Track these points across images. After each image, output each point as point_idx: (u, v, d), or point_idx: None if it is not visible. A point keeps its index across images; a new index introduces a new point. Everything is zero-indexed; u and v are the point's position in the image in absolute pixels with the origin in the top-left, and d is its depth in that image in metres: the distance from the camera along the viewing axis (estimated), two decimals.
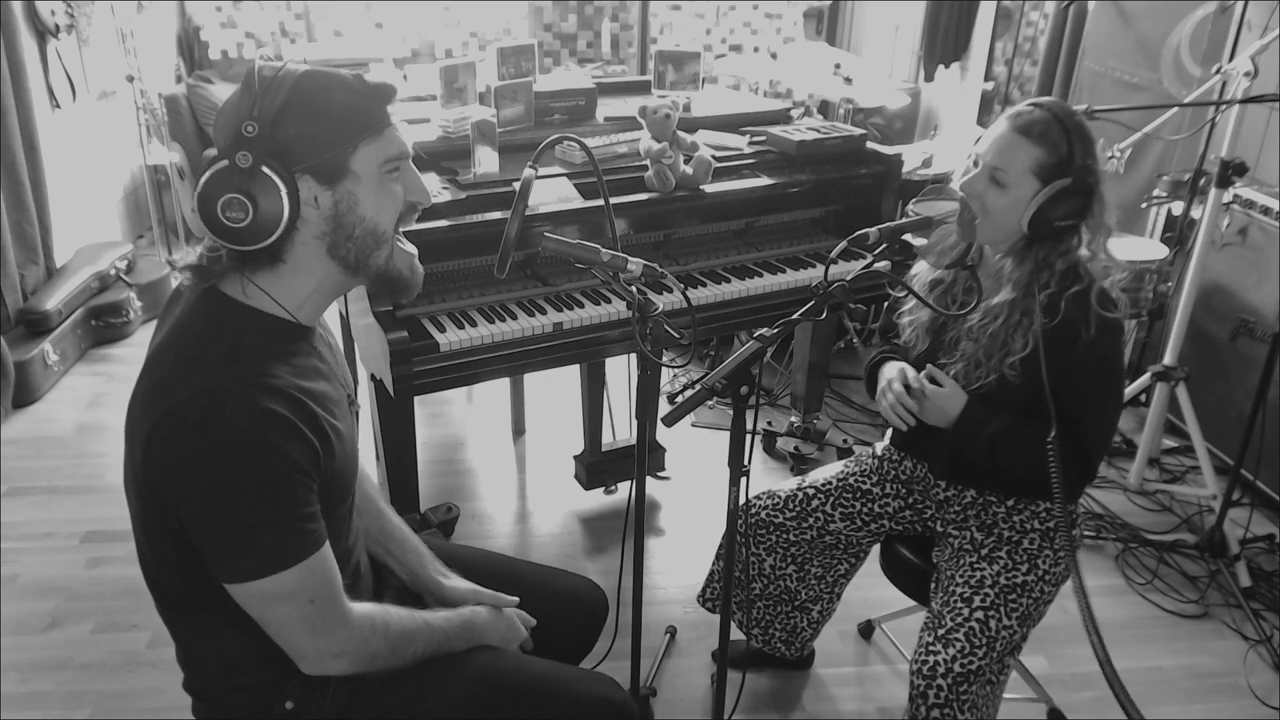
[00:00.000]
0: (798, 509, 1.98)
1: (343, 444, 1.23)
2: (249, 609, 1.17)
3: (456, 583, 1.52)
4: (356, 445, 1.34)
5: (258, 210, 1.12)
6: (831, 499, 1.98)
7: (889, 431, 2.03)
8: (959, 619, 1.69)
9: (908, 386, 1.77)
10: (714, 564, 2.18)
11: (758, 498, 2.03)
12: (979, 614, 1.69)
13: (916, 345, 1.87)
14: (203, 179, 1.12)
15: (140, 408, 1.14)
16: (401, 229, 1.26)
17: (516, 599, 1.52)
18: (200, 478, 1.10)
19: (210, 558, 1.14)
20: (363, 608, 1.27)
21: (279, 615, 1.18)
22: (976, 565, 1.77)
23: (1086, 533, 2.82)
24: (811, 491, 1.99)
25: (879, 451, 2.04)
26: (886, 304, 2.07)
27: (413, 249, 1.29)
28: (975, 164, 1.69)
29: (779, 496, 2.01)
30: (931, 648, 1.67)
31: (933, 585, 1.88)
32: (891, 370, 1.84)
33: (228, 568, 1.14)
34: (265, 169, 1.11)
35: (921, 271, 1.88)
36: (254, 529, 1.12)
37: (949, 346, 1.79)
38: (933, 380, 1.75)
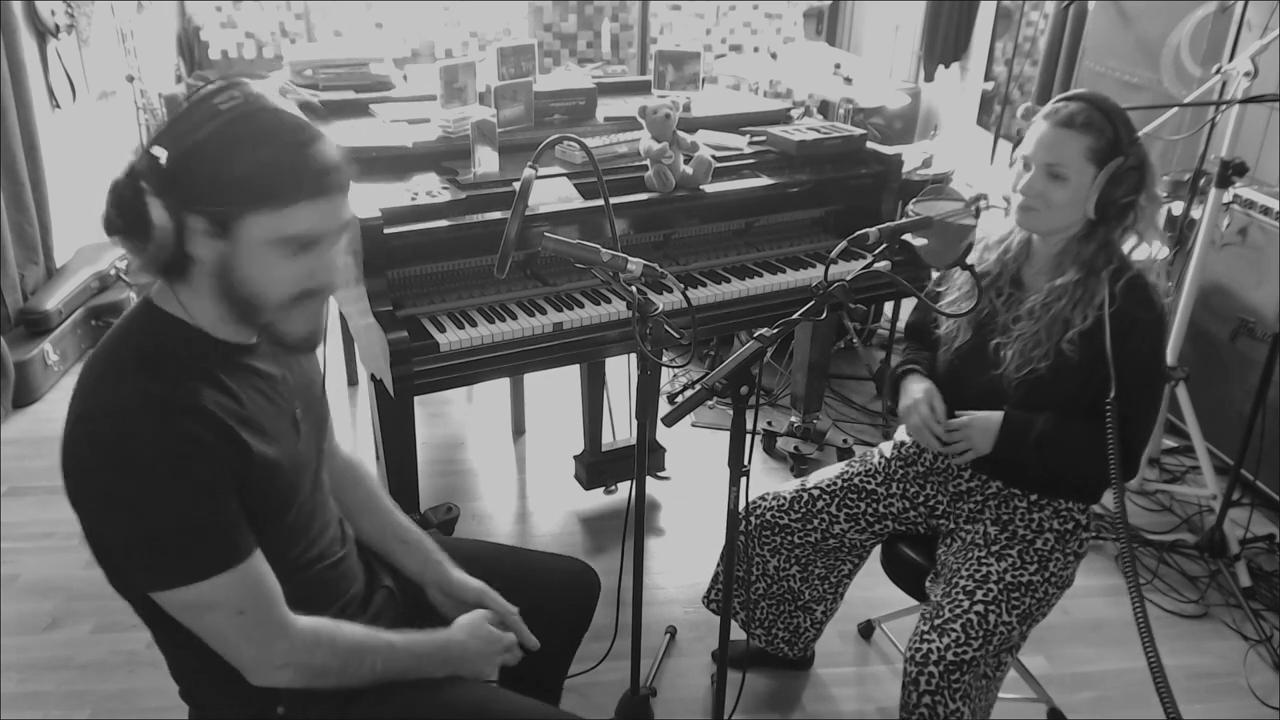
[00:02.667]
0: (802, 510, 1.98)
1: (274, 460, 1.21)
2: (180, 619, 1.16)
3: (464, 577, 1.52)
4: (301, 458, 1.30)
5: (148, 231, 1.10)
6: (836, 500, 1.98)
7: (900, 429, 2.02)
8: (958, 610, 1.69)
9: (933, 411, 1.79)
10: (718, 565, 2.17)
11: (761, 499, 2.03)
12: (979, 607, 1.69)
13: (958, 337, 1.86)
14: (122, 174, 1.11)
15: (66, 418, 1.13)
16: (305, 303, 1.19)
17: (516, 609, 1.51)
18: (108, 491, 1.09)
19: (128, 566, 1.14)
20: (308, 621, 1.24)
21: (208, 625, 1.17)
22: (984, 560, 1.78)
23: (1087, 533, 2.81)
24: (816, 493, 1.99)
25: (888, 453, 2.03)
26: (915, 306, 2.06)
27: (320, 310, 1.23)
28: (1027, 168, 1.71)
29: (783, 498, 2.00)
30: (926, 636, 1.67)
31: (929, 579, 1.87)
32: (917, 390, 1.85)
33: (144, 575, 1.14)
34: (153, 198, 1.09)
35: (974, 258, 1.88)
36: (165, 540, 1.11)
37: (1002, 329, 1.79)
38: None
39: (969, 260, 1.84)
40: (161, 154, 1.08)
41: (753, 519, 2.01)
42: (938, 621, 1.69)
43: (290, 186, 1.09)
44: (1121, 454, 1.58)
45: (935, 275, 2.07)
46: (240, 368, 1.21)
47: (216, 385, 1.16)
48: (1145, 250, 1.74)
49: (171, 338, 1.16)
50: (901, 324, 3.41)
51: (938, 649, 1.64)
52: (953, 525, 1.91)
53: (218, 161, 1.08)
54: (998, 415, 1.74)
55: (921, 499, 1.96)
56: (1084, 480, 1.78)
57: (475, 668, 1.39)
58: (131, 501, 1.09)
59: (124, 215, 1.11)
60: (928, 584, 1.87)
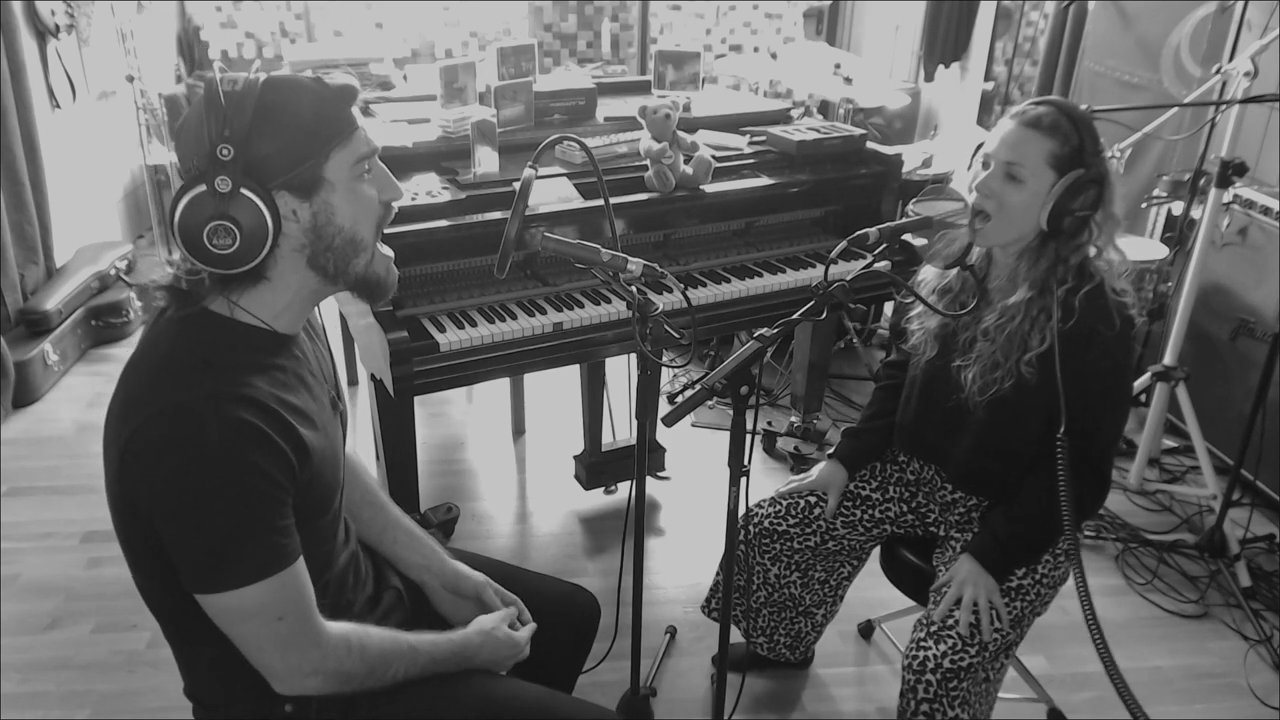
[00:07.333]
0: (800, 516, 1.98)
1: (322, 454, 1.22)
2: (218, 622, 1.16)
3: (464, 568, 1.53)
4: (339, 450, 1.32)
5: (243, 234, 1.11)
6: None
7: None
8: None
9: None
10: (717, 574, 2.16)
11: (759, 506, 2.02)
12: (973, 614, 1.68)
13: (925, 351, 1.84)
14: (181, 205, 1.11)
15: (115, 422, 1.13)
16: (381, 236, 1.25)
17: (517, 598, 1.51)
18: (172, 490, 1.09)
19: (182, 567, 1.14)
20: (338, 627, 1.25)
21: (247, 631, 1.17)
22: None
23: (1086, 534, 2.82)
24: (814, 499, 1.99)
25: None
26: (894, 309, 2.06)
27: (390, 252, 1.28)
28: (986, 165, 1.68)
29: (781, 504, 2.00)
30: (923, 643, 1.67)
31: (932, 590, 1.87)
32: (815, 472, 2.00)
33: (197, 578, 1.13)
34: (245, 191, 1.10)
35: (929, 278, 1.87)
36: (225, 541, 1.11)
37: (963, 348, 1.77)
38: (945, 588, 1.77)
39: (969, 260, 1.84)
40: (227, 151, 1.09)
41: (751, 527, 2.01)
42: (933, 628, 1.68)
43: (344, 115, 1.17)
44: (1075, 491, 1.54)
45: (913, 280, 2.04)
46: (287, 360, 1.23)
47: (269, 379, 1.17)
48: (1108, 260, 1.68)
49: (222, 336, 1.17)
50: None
51: (934, 656, 1.64)
52: (944, 532, 1.92)
53: (279, 126, 1.12)
54: (972, 564, 1.72)
55: (914, 504, 1.97)
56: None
57: (493, 659, 1.40)
58: (195, 498, 1.09)
59: (216, 229, 1.10)
60: (931, 594, 1.87)
